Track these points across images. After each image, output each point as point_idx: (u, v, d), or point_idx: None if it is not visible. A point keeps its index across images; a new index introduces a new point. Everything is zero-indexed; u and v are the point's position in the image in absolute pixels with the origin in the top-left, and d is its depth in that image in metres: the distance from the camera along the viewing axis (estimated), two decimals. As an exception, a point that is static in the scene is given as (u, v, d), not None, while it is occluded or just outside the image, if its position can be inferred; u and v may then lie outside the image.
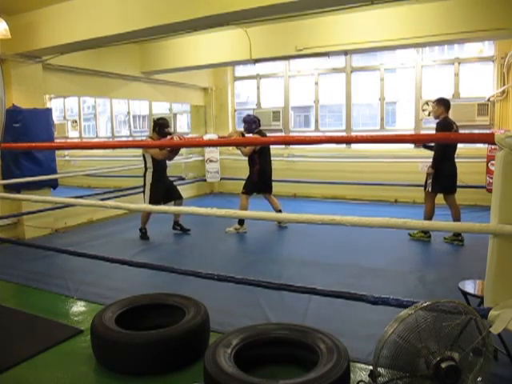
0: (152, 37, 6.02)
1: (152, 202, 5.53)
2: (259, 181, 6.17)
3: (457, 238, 5.25)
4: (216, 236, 6.04)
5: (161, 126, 5.72)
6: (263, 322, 3.08)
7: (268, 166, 6.29)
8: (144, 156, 5.75)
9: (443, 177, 5.17)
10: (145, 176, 5.77)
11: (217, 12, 4.25)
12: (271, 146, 8.84)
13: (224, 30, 6.33)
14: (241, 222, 6.14)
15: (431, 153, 5.23)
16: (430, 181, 5.24)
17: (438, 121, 5.22)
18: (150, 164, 5.71)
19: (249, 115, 6.46)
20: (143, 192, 5.81)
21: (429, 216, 5.32)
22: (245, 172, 6.25)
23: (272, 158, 6.39)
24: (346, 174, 8.25)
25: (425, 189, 5.37)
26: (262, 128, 6.36)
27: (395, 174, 7.80)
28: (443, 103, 5.23)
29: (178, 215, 6.18)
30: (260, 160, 6.11)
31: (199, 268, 3.53)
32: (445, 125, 5.10)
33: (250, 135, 6.13)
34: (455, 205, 5.29)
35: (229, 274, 3.31)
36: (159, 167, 5.78)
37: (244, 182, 6.29)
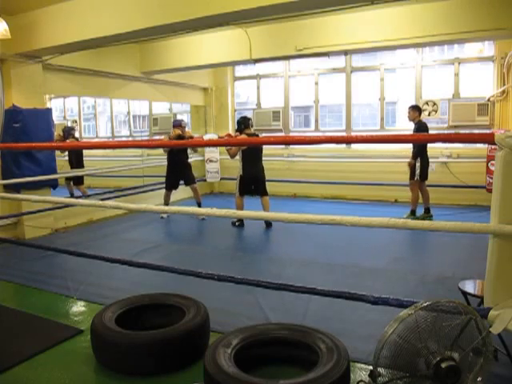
0: (152, 37, 6.03)
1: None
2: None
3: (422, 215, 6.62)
4: (216, 236, 6.04)
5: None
6: (263, 322, 3.08)
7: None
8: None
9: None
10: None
11: (217, 12, 4.25)
12: (271, 146, 8.84)
13: (224, 30, 6.33)
14: None
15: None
16: (417, 171, 6.40)
17: None
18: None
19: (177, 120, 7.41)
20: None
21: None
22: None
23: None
24: (345, 174, 8.24)
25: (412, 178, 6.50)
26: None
27: (395, 174, 7.79)
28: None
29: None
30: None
31: (199, 268, 3.53)
32: None
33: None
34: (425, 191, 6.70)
35: (229, 274, 3.31)
36: None
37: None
